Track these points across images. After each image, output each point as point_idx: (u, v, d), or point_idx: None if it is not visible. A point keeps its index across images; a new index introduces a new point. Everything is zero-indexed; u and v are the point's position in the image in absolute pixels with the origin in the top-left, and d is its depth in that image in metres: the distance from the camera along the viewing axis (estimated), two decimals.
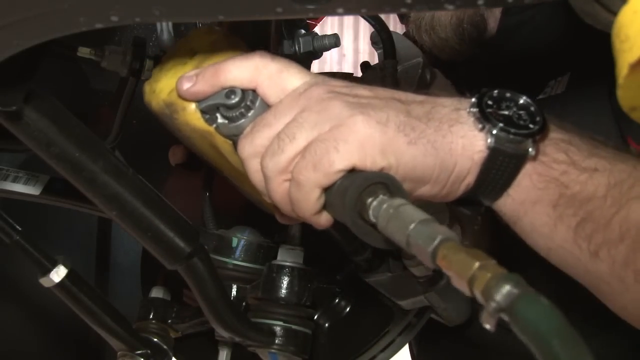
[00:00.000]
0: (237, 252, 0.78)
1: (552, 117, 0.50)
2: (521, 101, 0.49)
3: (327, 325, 0.85)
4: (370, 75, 0.84)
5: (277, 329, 0.74)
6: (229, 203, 0.91)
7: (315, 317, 0.83)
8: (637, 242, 0.46)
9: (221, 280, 0.66)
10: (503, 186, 0.49)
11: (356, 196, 0.44)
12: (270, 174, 0.48)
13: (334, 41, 0.84)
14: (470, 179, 0.49)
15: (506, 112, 0.48)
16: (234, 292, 0.79)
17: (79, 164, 0.52)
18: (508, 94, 0.49)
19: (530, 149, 0.47)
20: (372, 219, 0.43)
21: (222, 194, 0.93)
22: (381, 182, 0.45)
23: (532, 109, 0.48)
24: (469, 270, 0.36)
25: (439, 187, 0.49)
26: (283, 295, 0.74)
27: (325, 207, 0.48)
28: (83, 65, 0.95)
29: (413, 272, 0.73)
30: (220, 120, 0.52)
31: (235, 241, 0.78)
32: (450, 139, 0.47)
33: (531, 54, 0.91)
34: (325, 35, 0.85)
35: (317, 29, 0.98)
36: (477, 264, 0.36)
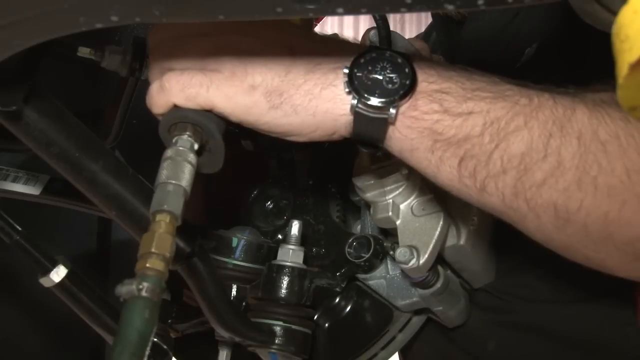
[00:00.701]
0: (237, 252, 0.78)
1: (440, 64, 0.53)
2: (399, 61, 0.51)
3: (327, 325, 0.85)
4: None
5: (277, 329, 0.74)
6: (228, 203, 0.91)
7: (315, 317, 0.83)
8: (521, 171, 0.48)
9: (221, 280, 0.66)
10: (377, 140, 0.53)
11: (169, 122, 0.51)
12: (153, 64, 0.54)
13: None
14: (343, 134, 0.53)
15: (376, 76, 0.51)
16: (234, 292, 0.79)
17: (79, 164, 0.52)
18: (388, 53, 0.52)
19: (389, 113, 0.50)
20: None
21: (222, 193, 0.93)
22: (200, 127, 0.51)
23: (406, 70, 0.51)
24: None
25: (307, 138, 0.54)
26: (283, 295, 0.74)
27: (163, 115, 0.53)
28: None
29: (408, 274, 0.74)
30: None
31: (235, 241, 0.78)
32: (316, 104, 0.51)
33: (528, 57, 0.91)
34: None
35: (317, 29, 0.98)
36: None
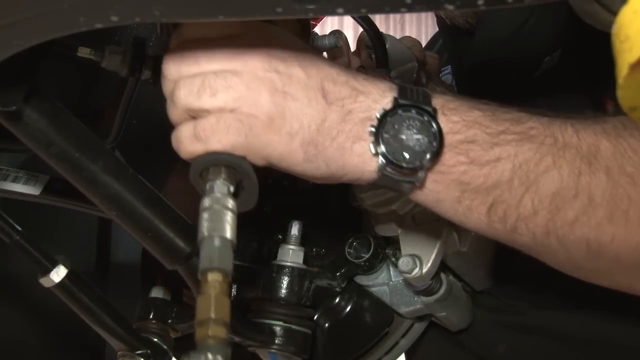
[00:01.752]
0: (237, 252, 0.78)
1: (463, 102, 0.51)
2: (425, 118, 0.49)
3: (327, 325, 0.85)
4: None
5: (277, 329, 0.74)
6: None
7: (315, 317, 0.83)
8: (552, 211, 0.48)
9: None
10: (401, 194, 0.52)
11: (201, 167, 0.48)
12: (177, 104, 0.50)
13: (334, 41, 0.84)
14: (365, 182, 0.52)
15: (403, 137, 0.49)
16: (234, 292, 0.79)
17: (79, 164, 0.52)
18: (414, 110, 0.49)
19: (417, 177, 0.49)
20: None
21: None
22: (234, 168, 0.48)
23: (432, 129, 0.49)
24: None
25: (330, 182, 0.53)
26: (283, 295, 0.74)
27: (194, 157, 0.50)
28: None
29: (411, 282, 0.73)
30: None
31: None
32: (347, 157, 0.50)
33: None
34: (325, 35, 0.85)
35: (317, 29, 0.98)
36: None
